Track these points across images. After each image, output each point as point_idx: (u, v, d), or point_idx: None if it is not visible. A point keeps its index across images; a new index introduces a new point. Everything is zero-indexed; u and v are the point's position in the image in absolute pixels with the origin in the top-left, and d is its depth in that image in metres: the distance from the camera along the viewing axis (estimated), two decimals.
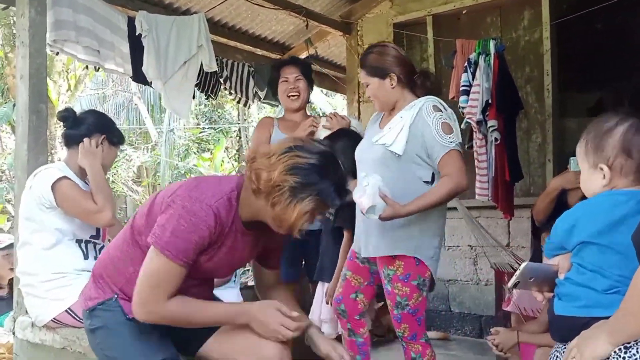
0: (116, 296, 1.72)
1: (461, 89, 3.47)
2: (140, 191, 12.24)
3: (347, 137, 2.62)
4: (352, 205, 2.17)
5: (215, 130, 12.52)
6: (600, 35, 4.47)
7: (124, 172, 11.67)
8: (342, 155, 2.45)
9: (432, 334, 4.15)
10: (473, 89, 3.40)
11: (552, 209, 2.73)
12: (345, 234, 2.64)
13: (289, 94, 3.01)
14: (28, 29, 2.65)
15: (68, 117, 2.47)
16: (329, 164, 1.57)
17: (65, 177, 2.33)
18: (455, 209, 3.82)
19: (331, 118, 2.93)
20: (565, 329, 1.36)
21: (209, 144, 12.49)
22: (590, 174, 1.41)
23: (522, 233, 3.96)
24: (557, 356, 1.42)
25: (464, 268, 4.31)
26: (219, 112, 12.70)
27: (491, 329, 2.40)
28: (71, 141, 2.47)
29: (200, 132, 12.34)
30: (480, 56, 3.40)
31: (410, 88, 2.27)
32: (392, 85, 2.22)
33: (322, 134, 2.88)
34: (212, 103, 12.38)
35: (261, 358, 1.68)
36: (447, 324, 4.34)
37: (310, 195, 1.51)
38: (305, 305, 2.94)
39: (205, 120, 12.54)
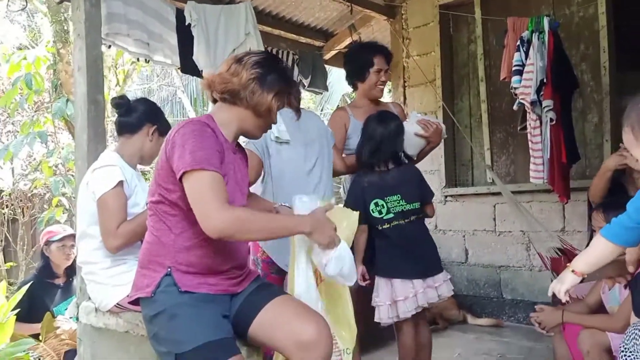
0: (169, 269, 1.77)
1: (513, 68, 3.38)
2: None
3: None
4: None
5: None
6: None
7: None
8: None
9: (484, 321, 4.10)
10: (526, 69, 3.30)
11: (607, 189, 2.67)
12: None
13: (379, 85, 2.98)
14: (84, 22, 2.70)
15: (122, 104, 2.49)
16: (274, 57, 2.00)
17: (119, 185, 2.33)
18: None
19: (427, 127, 2.85)
20: None
21: None
22: None
23: (578, 217, 3.85)
24: (636, 333, 1.37)
25: (517, 254, 4.22)
26: None
27: (536, 306, 2.35)
28: (123, 129, 2.50)
29: None
30: (534, 34, 3.29)
31: None
32: None
33: (413, 139, 2.83)
34: None
35: (299, 342, 1.71)
36: (499, 310, 4.27)
37: (273, 79, 1.87)
38: None
39: None
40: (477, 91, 4.43)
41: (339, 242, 1.83)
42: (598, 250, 1.55)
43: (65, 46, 5.07)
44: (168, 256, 1.79)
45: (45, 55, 5.41)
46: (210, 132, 1.76)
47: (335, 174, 2.86)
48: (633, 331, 1.40)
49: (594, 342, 2.03)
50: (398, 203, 2.62)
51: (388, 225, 2.62)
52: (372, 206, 2.61)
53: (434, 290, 2.61)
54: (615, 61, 3.85)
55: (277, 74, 1.89)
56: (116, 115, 2.55)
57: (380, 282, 2.64)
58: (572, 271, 1.62)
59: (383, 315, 2.61)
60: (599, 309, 2.30)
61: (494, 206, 4.29)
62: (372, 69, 2.92)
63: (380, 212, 2.61)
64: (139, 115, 2.50)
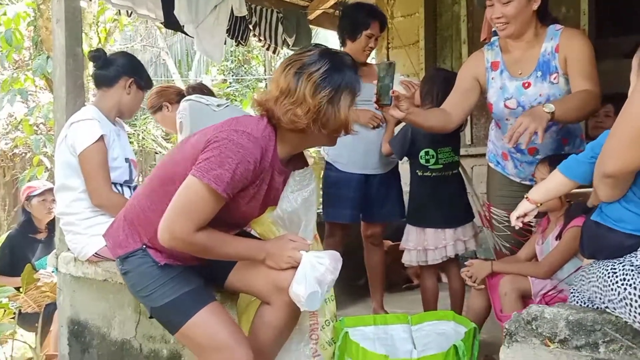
0: (144, 246, 1.76)
1: (493, 29, 3.39)
2: (170, 147, 12.38)
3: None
4: None
5: (242, 85, 12.52)
6: None
7: (154, 129, 11.80)
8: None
9: None
10: None
11: None
12: None
13: (367, 50, 2.96)
14: None
15: (99, 57, 2.50)
16: (333, 57, 1.66)
17: (101, 140, 2.33)
18: None
19: (410, 88, 2.87)
20: (600, 244, 1.38)
21: (236, 99, 12.51)
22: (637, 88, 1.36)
23: None
24: (582, 275, 1.44)
25: None
26: (245, 68, 12.68)
27: (466, 262, 2.43)
28: (101, 82, 2.51)
29: (227, 87, 12.34)
30: None
31: None
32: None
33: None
34: (238, 59, 12.31)
35: (277, 286, 1.74)
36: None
37: (342, 93, 1.63)
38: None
39: (232, 76, 12.54)
40: (459, 53, 4.45)
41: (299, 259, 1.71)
42: (551, 182, 1.63)
43: (46, 1, 4.97)
44: (148, 235, 1.74)
45: (26, 11, 5.31)
46: (254, 160, 1.60)
47: None
48: (581, 273, 1.47)
49: (513, 287, 2.12)
50: (449, 154, 2.76)
51: (430, 174, 2.76)
52: (422, 153, 2.73)
53: (462, 243, 2.77)
54: (595, 25, 3.87)
55: (346, 79, 1.64)
56: (93, 68, 2.56)
57: (411, 229, 2.82)
58: (526, 198, 1.70)
59: (413, 258, 2.81)
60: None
61: (472, 168, 4.35)
62: (366, 32, 2.88)
63: (427, 161, 2.74)
64: (116, 68, 2.50)
